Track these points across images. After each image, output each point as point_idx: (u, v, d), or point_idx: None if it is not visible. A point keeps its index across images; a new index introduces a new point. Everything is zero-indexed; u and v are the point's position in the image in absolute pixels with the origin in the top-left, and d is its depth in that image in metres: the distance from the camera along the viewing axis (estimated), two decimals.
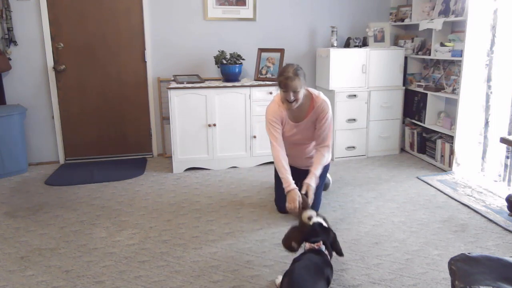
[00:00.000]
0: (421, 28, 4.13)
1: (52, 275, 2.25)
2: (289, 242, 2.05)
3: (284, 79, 2.60)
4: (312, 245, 2.02)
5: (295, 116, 2.84)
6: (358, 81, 4.26)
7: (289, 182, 2.70)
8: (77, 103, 4.22)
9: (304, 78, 2.68)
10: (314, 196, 2.93)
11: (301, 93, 2.67)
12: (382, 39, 4.43)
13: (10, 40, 3.88)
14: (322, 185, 3.07)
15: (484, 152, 3.67)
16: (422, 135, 4.30)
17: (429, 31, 4.12)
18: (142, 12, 4.14)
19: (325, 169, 3.05)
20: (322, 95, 2.84)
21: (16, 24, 3.90)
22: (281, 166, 2.77)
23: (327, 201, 3.17)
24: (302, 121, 2.84)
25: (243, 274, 2.25)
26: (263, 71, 4.14)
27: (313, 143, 2.97)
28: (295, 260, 1.95)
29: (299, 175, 2.99)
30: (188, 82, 3.88)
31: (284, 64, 2.73)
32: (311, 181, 2.71)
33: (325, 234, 2.07)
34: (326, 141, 2.84)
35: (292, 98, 2.63)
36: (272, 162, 3.93)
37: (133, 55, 4.23)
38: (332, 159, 4.10)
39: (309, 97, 2.81)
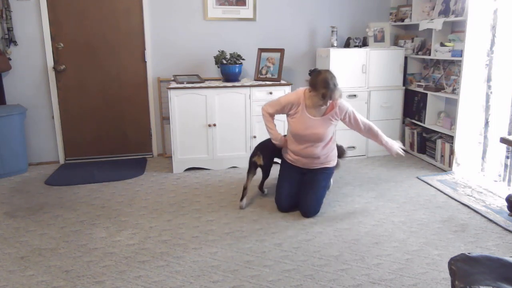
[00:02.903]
0: (421, 28, 4.13)
1: (52, 275, 2.25)
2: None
3: (330, 91, 2.77)
4: None
5: (315, 111, 2.95)
6: (358, 81, 4.26)
7: (275, 133, 3.12)
8: (77, 103, 4.22)
9: None
10: (315, 197, 2.96)
11: None
12: (382, 39, 4.42)
13: (10, 40, 3.88)
14: (326, 186, 3.08)
15: (484, 152, 3.67)
16: (422, 135, 4.30)
17: (429, 31, 4.12)
18: (142, 12, 4.14)
19: (330, 171, 3.10)
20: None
21: (16, 24, 3.90)
22: (269, 122, 3.12)
23: (327, 201, 3.17)
24: (320, 117, 2.95)
25: (243, 274, 2.25)
26: (263, 71, 4.14)
27: (322, 145, 3.00)
28: None
29: (304, 174, 3.07)
30: (188, 82, 3.88)
31: (317, 71, 2.91)
32: (392, 142, 3.07)
33: None
34: (367, 123, 3.03)
35: (328, 105, 2.88)
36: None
37: (133, 55, 4.23)
38: None
39: None
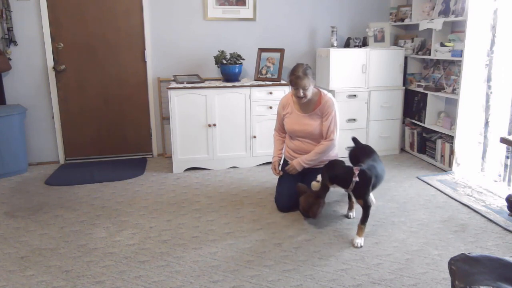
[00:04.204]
0: (421, 28, 4.13)
1: (52, 275, 2.25)
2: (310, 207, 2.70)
3: (295, 78, 2.89)
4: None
5: (303, 108, 3.07)
6: (358, 81, 4.26)
7: (274, 154, 3.25)
8: (77, 103, 4.22)
9: (313, 77, 2.97)
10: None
11: (310, 90, 2.93)
12: (382, 39, 4.43)
13: (10, 40, 3.88)
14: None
15: (484, 152, 3.67)
16: (422, 135, 4.30)
17: (429, 31, 4.12)
18: (142, 12, 4.14)
19: None
20: (329, 95, 3.07)
21: (16, 24, 3.90)
22: (275, 143, 3.29)
23: (327, 201, 3.16)
24: (309, 113, 3.04)
25: (243, 274, 2.25)
26: (263, 71, 4.14)
27: (319, 142, 3.06)
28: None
29: (305, 174, 3.08)
30: (188, 82, 3.88)
31: (295, 64, 3.03)
32: (295, 161, 3.05)
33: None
34: (330, 136, 3.02)
35: (301, 94, 2.90)
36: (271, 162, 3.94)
37: (133, 55, 4.23)
38: None
39: (318, 94, 3.04)
